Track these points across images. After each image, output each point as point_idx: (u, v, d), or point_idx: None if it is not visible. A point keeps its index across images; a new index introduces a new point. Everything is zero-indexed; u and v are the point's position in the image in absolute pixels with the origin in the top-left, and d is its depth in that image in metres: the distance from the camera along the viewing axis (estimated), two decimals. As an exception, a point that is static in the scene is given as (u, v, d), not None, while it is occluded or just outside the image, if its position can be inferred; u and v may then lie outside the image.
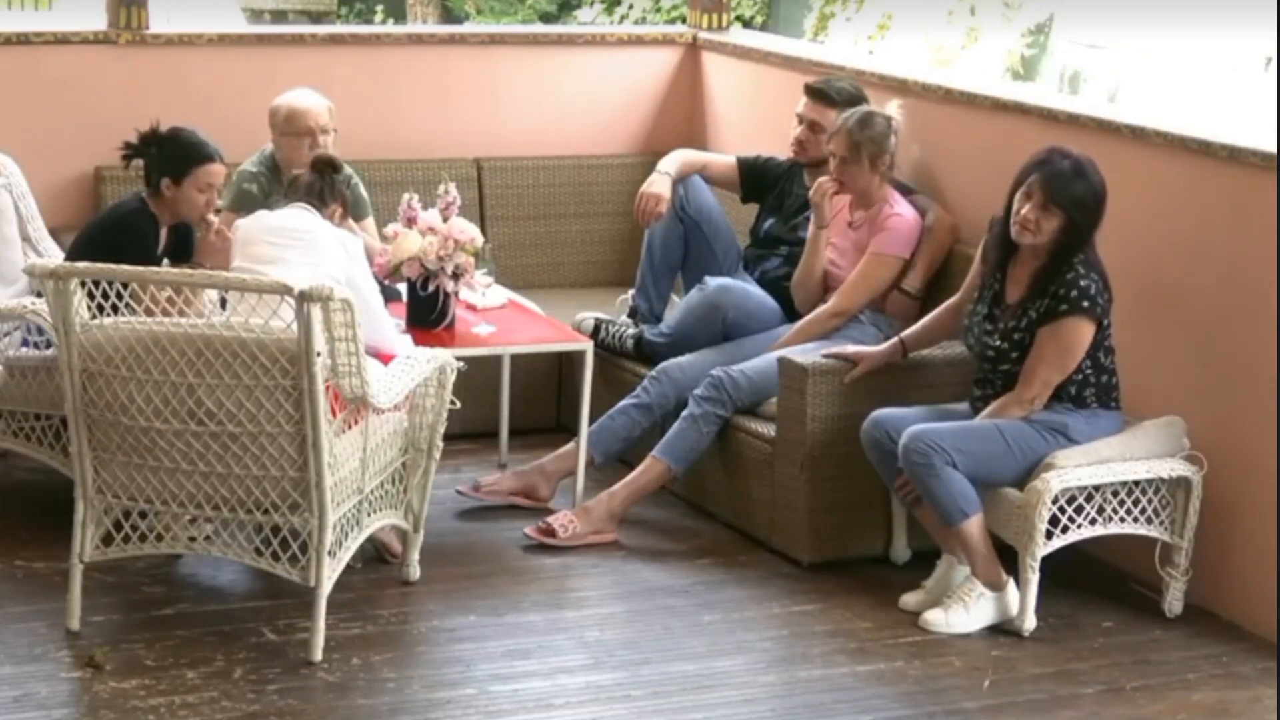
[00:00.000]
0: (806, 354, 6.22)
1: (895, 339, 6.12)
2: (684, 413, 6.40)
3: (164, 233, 6.21)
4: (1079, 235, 5.60)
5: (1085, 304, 5.57)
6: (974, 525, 5.65)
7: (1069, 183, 5.57)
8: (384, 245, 6.54)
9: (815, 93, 6.83)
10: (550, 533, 6.22)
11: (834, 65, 7.45)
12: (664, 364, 6.59)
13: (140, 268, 5.36)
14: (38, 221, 6.72)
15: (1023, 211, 5.60)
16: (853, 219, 6.61)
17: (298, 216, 5.78)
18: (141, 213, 6.14)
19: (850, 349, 6.15)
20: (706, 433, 6.37)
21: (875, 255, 6.51)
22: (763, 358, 6.40)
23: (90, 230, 6.22)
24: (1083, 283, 5.57)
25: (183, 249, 6.30)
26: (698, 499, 6.62)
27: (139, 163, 6.15)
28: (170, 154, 6.10)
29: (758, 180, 7.09)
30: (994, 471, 5.67)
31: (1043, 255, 5.64)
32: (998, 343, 5.73)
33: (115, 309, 5.25)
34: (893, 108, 6.61)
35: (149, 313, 5.29)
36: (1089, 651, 5.62)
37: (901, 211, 6.52)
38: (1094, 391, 5.73)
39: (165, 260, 6.23)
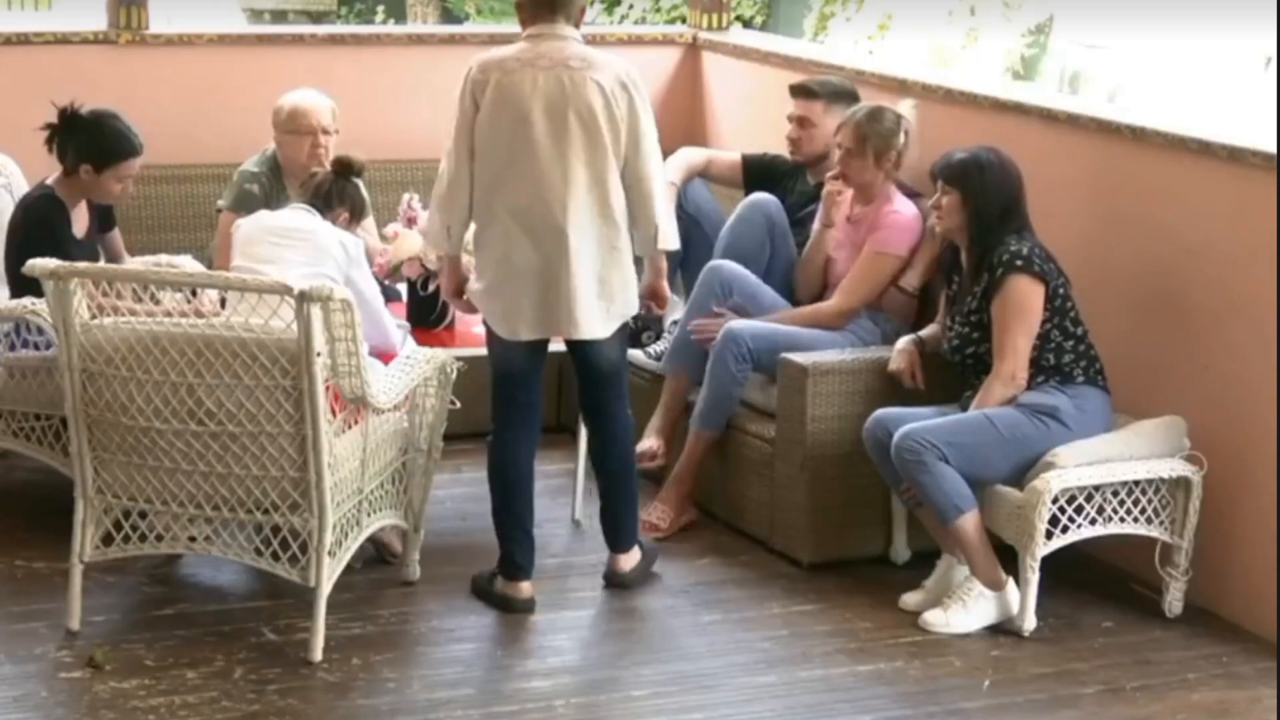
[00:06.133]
0: (808, 355, 6.22)
1: (914, 335, 6.13)
2: (707, 377, 6.41)
3: (84, 212, 6.21)
4: (978, 205, 5.78)
5: (1019, 262, 5.70)
6: (969, 522, 5.65)
7: (952, 161, 5.86)
8: (384, 245, 6.53)
9: (797, 89, 6.91)
10: (655, 527, 6.34)
11: (834, 65, 7.45)
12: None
13: (140, 269, 5.36)
14: (37, 221, 6.72)
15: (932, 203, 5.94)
16: (852, 213, 6.60)
17: (298, 217, 5.78)
18: (45, 199, 6.15)
19: (893, 368, 6.12)
20: (735, 393, 6.41)
21: (875, 253, 6.49)
22: (774, 316, 6.48)
23: (6, 231, 6.24)
24: (1014, 247, 5.73)
25: (106, 221, 6.41)
26: (698, 499, 6.62)
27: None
28: (96, 142, 6.10)
29: (762, 176, 7.07)
30: (988, 462, 5.67)
31: (971, 240, 5.82)
32: (959, 328, 5.85)
33: (115, 309, 5.26)
34: (905, 107, 6.59)
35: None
36: (1089, 651, 5.62)
37: (900, 209, 6.51)
38: (1073, 360, 5.76)
39: (96, 239, 6.30)
